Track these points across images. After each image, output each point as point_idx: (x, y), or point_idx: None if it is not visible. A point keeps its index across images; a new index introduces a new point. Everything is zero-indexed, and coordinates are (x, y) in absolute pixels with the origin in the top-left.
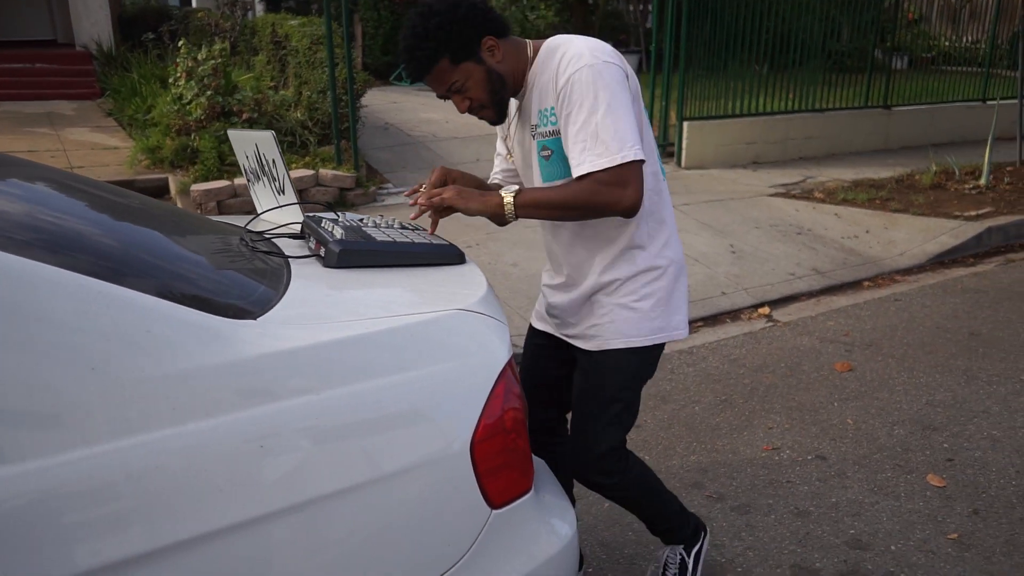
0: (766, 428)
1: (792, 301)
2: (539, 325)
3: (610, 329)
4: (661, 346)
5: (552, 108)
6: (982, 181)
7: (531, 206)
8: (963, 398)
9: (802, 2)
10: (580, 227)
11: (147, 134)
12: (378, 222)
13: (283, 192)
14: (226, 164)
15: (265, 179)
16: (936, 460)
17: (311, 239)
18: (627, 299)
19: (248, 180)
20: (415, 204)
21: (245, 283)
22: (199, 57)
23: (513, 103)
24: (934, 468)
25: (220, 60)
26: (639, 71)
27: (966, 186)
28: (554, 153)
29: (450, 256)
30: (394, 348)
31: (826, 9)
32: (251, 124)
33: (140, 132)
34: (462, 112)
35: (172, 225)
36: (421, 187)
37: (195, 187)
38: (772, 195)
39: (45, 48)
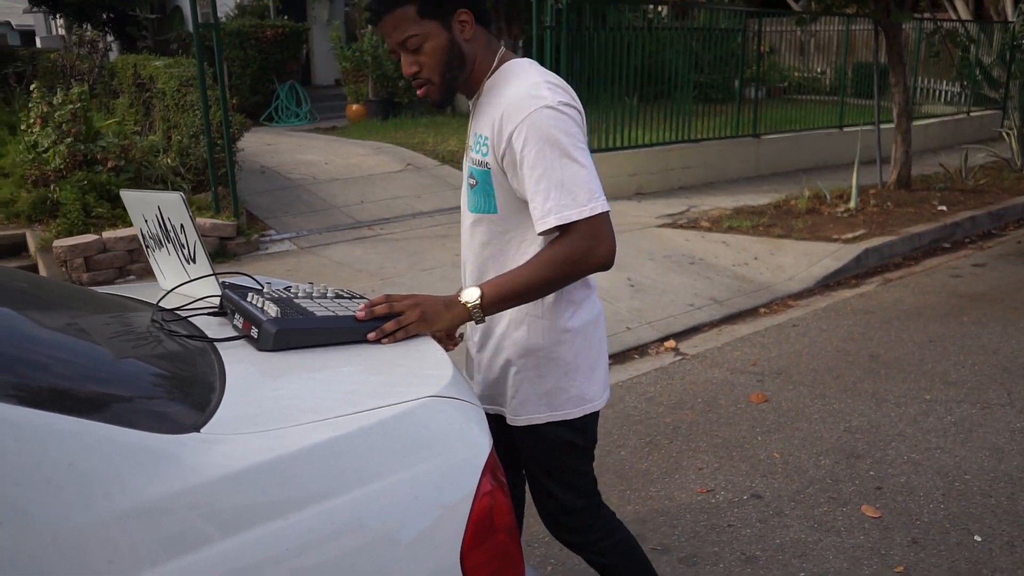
0: (696, 469)
1: (695, 332)
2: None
3: (531, 404)
4: (594, 414)
5: (487, 138)
6: (852, 204)
7: (501, 301)
8: (877, 422)
9: (664, 37)
10: (486, 271)
11: None
12: (310, 291)
13: (194, 261)
14: (92, 216)
15: (170, 246)
16: (866, 489)
17: (236, 316)
18: (546, 368)
19: (147, 247)
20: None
21: (176, 381)
22: (55, 101)
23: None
24: (866, 498)
25: (79, 104)
26: None
27: (838, 209)
28: (479, 184)
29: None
30: (369, 451)
31: (687, 43)
32: (118, 172)
33: None
34: (406, 74)
35: (67, 311)
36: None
37: (58, 243)
38: (660, 226)
39: None
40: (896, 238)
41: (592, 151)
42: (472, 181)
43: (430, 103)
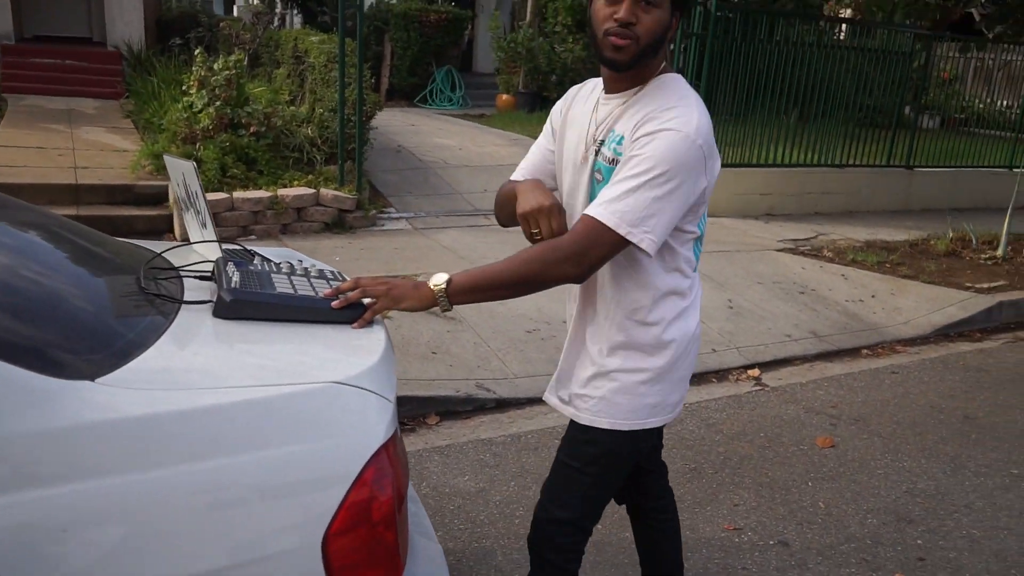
0: (731, 504)
1: (785, 364)
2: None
3: (598, 405)
4: (652, 430)
5: (623, 138)
6: (999, 252)
7: (468, 291)
8: (946, 489)
9: (834, 53)
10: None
11: (156, 139)
12: (293, 268)
13: (206, 226)
14: (227, 176)
15: (192, 210)
16: (907, 559)
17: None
18: (624, 377)
19: (182, 208)
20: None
21: (106, 333)
22: (215, 67)
23: (599, 102)
24: (903, 567)
25: (234, 72)
26: None
27: (982, 256)
28: (604, 181)
29: (355, 315)
30: (246, 424)
31: (858, 62)
32: (258, 138)
33: (152, 137)
34: (622, 18)
35: (69, 254)
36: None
37: None
38: (780, 250)
39: (78, 46)
40: None
41: (725, 166)
42: (599, 177)
43: (617, 59)
